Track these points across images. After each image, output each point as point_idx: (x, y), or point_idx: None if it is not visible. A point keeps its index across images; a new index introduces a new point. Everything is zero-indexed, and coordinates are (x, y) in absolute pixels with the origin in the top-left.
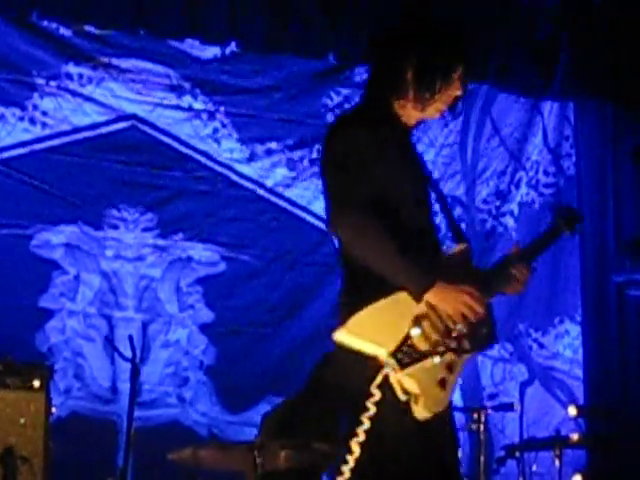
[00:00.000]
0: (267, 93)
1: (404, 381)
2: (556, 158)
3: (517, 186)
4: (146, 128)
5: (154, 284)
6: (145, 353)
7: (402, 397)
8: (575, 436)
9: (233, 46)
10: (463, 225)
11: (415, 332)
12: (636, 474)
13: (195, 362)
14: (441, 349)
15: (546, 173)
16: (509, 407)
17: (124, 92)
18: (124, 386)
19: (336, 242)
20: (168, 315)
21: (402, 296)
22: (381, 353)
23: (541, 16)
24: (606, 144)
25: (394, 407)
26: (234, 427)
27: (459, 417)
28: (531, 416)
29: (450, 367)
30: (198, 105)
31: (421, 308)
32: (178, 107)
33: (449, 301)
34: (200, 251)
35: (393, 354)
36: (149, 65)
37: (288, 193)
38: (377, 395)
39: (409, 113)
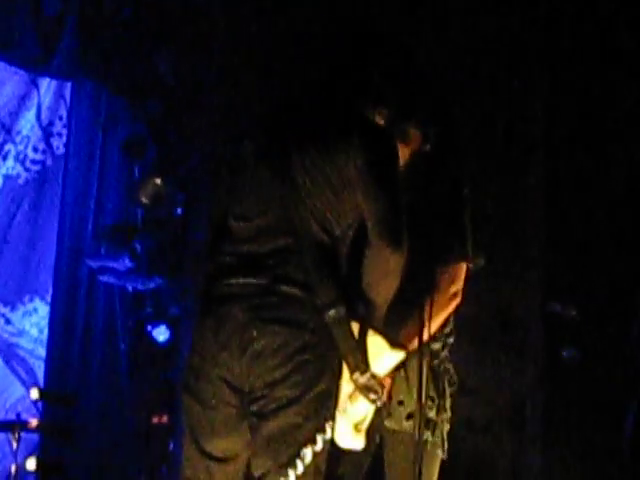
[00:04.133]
0: None
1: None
2: (47, 136)
3: (4, 158)
4: None
5: None
6: None
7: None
8: (34, 421)
9: None
10: None
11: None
12: (91, 459)
13: None
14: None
15: (35, 149)
16: None
17: None
18: None
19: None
20: None
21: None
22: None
23: None
24: (97, 129)
25: None
26: None
27: None
28: None
29: None
30: None
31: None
32: None
33: None
34: None
35: None
36: None
37: None
38: None
39: None
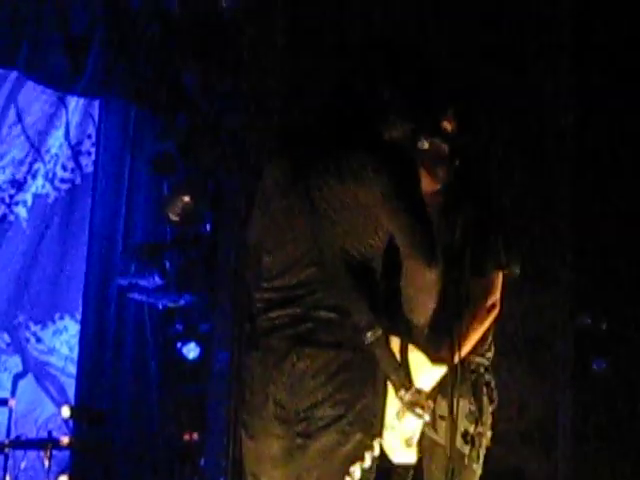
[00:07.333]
0: None
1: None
2: (76, 154)
3: (34, 177)
4: None
5: None
6: None
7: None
8: (65, 439)
9: None
10: None
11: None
12: (123, 475)
13: None
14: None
15: (64, 168)
16: (4, 403)
17: None
18: None
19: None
20: None
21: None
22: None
23: (77, 9)
24: (126, 147)
25: None
26: None
27: None
28: (21, 409)
29: None
30: None
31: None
32: None
33: None
34: None
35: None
36: None
37: None
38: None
39: None
